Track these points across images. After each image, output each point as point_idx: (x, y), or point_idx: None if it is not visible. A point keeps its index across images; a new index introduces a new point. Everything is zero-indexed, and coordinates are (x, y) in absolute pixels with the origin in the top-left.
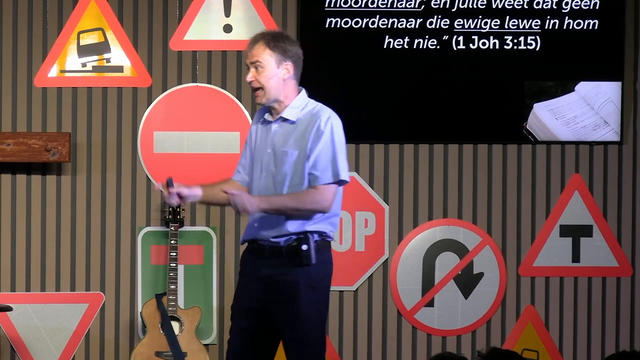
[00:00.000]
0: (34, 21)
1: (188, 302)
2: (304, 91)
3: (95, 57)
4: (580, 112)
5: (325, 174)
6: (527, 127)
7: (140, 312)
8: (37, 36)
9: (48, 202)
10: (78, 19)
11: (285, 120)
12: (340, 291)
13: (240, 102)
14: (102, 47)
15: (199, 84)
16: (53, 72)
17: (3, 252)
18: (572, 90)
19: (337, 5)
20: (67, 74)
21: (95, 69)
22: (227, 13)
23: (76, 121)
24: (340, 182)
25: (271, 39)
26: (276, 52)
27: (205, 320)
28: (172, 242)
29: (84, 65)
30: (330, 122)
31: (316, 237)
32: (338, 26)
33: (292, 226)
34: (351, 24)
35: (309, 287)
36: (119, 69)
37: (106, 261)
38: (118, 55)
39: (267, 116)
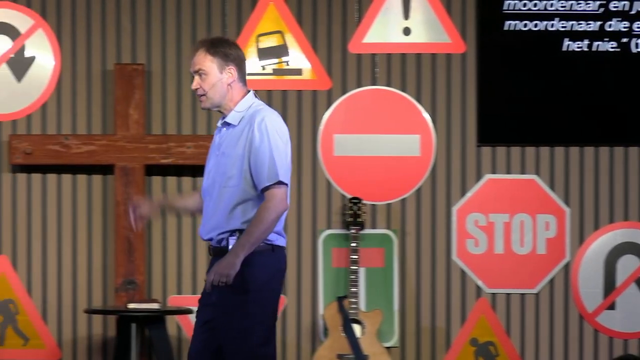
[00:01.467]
0: (212, 24)
1: (369, 304)
2: (250, 93)
3: (275, 60)
4: None
5: (262, 177)
6: None
7: (322, 315)
8: None
9: None
10: (257, 22)
11: (229, 124)
12: (521, 294)
13: (420, 104)
14: (281, 50)
15: (378, 87)
16: None
17: (184, 254)
18: None
19: (516, 8)
20: (248, 77)
21: (275, 72)
22: (406, 16)
23: None
24: (280, 183)
25: (211, 46)
26: (217, 57)
27: (386, 323)
28: (353, 244)
29: (263, 68)
30: (264, 124)
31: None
32: (516, 29)
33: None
34: (530, 27)
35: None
36: (298, 72)
37: (288, 264)
38: (297, 58)
39: (219, 122)
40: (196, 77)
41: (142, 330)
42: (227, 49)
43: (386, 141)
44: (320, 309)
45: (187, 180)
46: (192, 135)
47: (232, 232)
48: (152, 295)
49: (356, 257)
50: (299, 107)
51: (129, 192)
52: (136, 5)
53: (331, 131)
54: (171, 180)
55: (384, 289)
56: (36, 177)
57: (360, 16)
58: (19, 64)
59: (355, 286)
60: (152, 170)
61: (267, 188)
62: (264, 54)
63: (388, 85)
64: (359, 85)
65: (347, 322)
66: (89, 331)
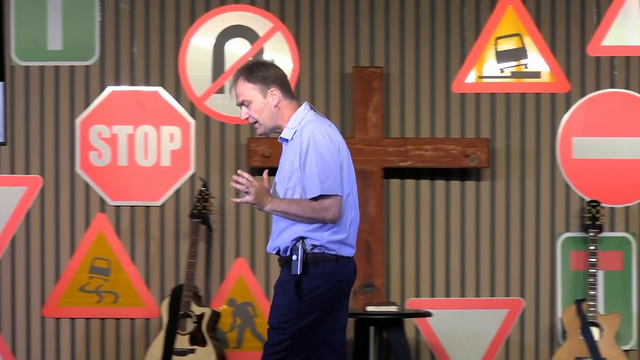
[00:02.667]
0: (451, 27)
1: (608, 307)
2: (302, 106)
3: (513, 63)
4: None
5: (309, 191)
6: None
7: (560, 318)
8: (455, 42)
9: (467, 208)
10: (496, 24)
11: (286, 140)
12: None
13: None
14: (519, 53)
15: (617, 90)
16: (471, 78)
17: (423, 257)
18: None
19: None
20: (484, 80)
21: (513, 74)
22: None
23: (495, 127)
24: (323, 197)
25: (248, 73)
26: (257, 83)
27: (624, 326)
28: (592, 247)
29: (501, 71)
30: (310, 138)
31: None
32: None
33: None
34: None
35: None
36: (537, 74)
37: (525, 267)
38: (536, 61)
39: (279, 138)
40: (243, 108)
41: (381, 333)
42: (264, 72)
43: (625, 144)
44: (559, 312)
45: (425, 184)
46: (430, 138)
47: (296, 240)
48: (390, 298)
49: (595, 260)
50: (537, 110)
51: (367, 195)
52: (375, 8)
53: (570, 134)
54: (409, 183)
55: (623, 291)
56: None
57: (599, 18)
58: None
59: (594, 289)
60: (390, 173)
61: (315, 199)
62: (502, 56)
63: (627, 88)
64: (598, 88)
65: (586, 325)
66: None
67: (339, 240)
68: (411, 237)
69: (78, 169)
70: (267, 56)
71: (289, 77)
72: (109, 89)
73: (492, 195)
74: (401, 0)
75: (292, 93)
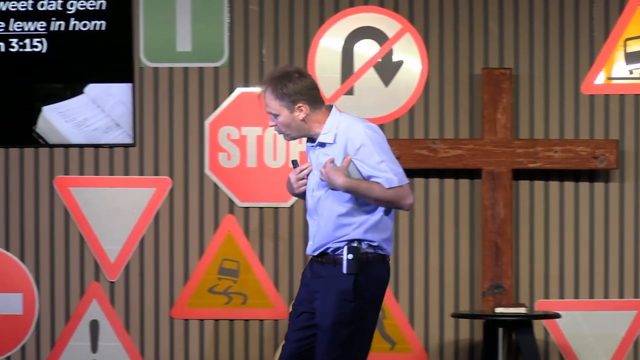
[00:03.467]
0: (580, 28)
1: None
2: (333, 109)
3: None
4: (91, 114)
5: (390, 179)
6: (37, 131)
7: None
8: (584, 44)
9: (596, 209)
10: (625, 25)
11: (323, 144)
12: None
13: None
14: None
15: None
16: (600, 79)
17: (551, 259)
18: (82, 92)
19: None
20: (613, 81)
21: None
22: None
23: (624, 128)
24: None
25: (275, 87)
26: (284, 100)
27: None
28: None
29: (631, 72)
30: (366, 134)
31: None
32: None
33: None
34: None
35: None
36: None
37: None
38: None
39: (308, 143)
40: (271, 117)
41: (510, 335)
42: (290, 86)
43: None
44: None
45: (554, 185)
46: (559, 139)
47: (351, 240)
48: (519, 299)
49: None
50: None
51: (496, 197)
52: (504, 10)
53: None
54: (538, 184)
55: None
56: None
57: None
58: (387, 69)
59: None
60: (520, 174)
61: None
62: (631, 58)
63: None
64: None
65: None
66: (456, 335)
67: (389, 238)
68: (540, 239)
69: (207, 170)
70: (395, 58)
71: (416, 79)
72: (238, 90)
73: (621, 197)
74: (530, 2)
75: (321, 100)
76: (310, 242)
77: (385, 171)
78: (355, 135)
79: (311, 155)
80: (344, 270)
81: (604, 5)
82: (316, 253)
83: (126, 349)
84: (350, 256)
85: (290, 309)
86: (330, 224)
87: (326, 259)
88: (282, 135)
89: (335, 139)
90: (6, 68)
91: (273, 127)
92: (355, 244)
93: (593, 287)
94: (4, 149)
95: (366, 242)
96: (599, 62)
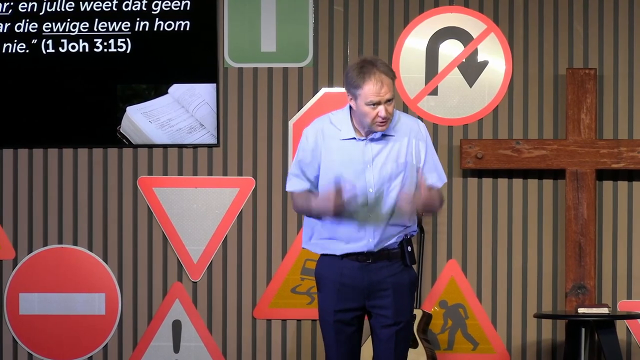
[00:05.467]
0: None
1: None
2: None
3: None
4: (175, 114)
5: (441, 176)
6: (121, 131)
7: None
8: None
9: None
10: None
11: (384, 137)
12: None
13: None
14: None
15: None
16: None
17: (635, 259)
18: (166, 92)
19: None
20: None
21: None
22: None
23: None
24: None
25: (393, 74)
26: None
27: None
28: None
29: None
30: (425, 128)
31: None
32: None
33: None
34: None
35: None
36: None
37: None
38: None
39: (348, 133)
40: (386, 106)
41: (592, 335)
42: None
43: None
44: None
45: (637, 185)
46: None
47: (405, 234)
48: (602, 299)
49: None
50: None
51: (580, 197)
52: (588, 10)
53: None
54: (622, 185)
55: None
56: (487, 181)
57: None
58: (471, 69)
59: None
60: (603, 174)
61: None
62: None
63: None
64: None
65: None
66: (538, 336)
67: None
68: (623, 239)
69: None
70: (480, 58)
71: (500, 79)
72: (323, 91)
73: None
74: (615, 2)
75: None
76: (364, 241)
77: (438, 169)
78: (417, 127)
79: (353, 147)
80: (408, 263)
81: None
82: (376, 249)
83: (208, 349)
84: (410, 248)
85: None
86: (389, 218)
87: (385, 253)
88: (382, 126)
89: (394, 131)
90: (91, 68)
91: (381, 118)
92: (408, 236)
93: None
94: (88, 149)
95: (410, 233)
96: None
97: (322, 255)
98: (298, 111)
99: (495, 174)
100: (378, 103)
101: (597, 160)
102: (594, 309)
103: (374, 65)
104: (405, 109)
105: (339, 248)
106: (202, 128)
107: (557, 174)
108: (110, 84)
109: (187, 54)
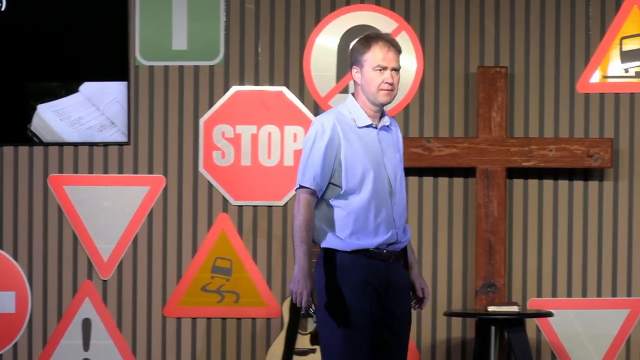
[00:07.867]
0: (576, 27)
1: None
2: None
3: (638, 63)
4: (86, 112)
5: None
6: (32, 129)
7: None
8: (580, 42)
9: (590, 208)
10: (620, 24)
11: (383, 128)
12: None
13: None
14: None
15: None
16: (595, 77)
17: (545, 257)
18: (77, 90)
19: None
20: (609, 80)
21: (637, 74)
22: None
23: (618, 127)
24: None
25: (398, 44)
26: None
27: None
28: None
29: (626, 71)
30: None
31: None
32: None
33: None
34: None
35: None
36: None
37: None
38: None
39: (363, 120)
40: (392, 73)
41: (502, 333)
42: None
43: None
44: None
45: (548, 184)
46: (554, 138)
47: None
48: (511, 298)
49: None
50: None
51: (490, 195)
52: (500, 8)
53: None
54: (532, 183)
55: None
56: None
57: None
58: None
59: None
60: (514, 173)
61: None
62: (627, 56)
63: None
64: None
65: None
66: (448, 334)
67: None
68: (533, 237)
69: (201, 169)
70: None
71: (411, 77)
72: (233, 89)
73: (615, 196)
74: (526, 0)
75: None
76: (394, 239)
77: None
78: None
79: (369, 136)
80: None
81: (600, 4)
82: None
83: (118, 348)
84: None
85: (352, 323)
86: (404, 214)
87: (401, 255)
88: (389, 95)
89: (390, 122)
90: (0, 66)
91: (387, 84)
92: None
93: (586, 285)
94: None
95: None
96: (594, 60)
97: (346, 252)
98: (209, 109)
99: (406, 172)
100: (385, 68)
101: (508, 158)
102: (504, 307)
103: (380, 36)
104: (317, 108)
105: (371, 242)
106: (112, 126)
107: (467, 172)
108: (21, 81)
109: (98, 52)
